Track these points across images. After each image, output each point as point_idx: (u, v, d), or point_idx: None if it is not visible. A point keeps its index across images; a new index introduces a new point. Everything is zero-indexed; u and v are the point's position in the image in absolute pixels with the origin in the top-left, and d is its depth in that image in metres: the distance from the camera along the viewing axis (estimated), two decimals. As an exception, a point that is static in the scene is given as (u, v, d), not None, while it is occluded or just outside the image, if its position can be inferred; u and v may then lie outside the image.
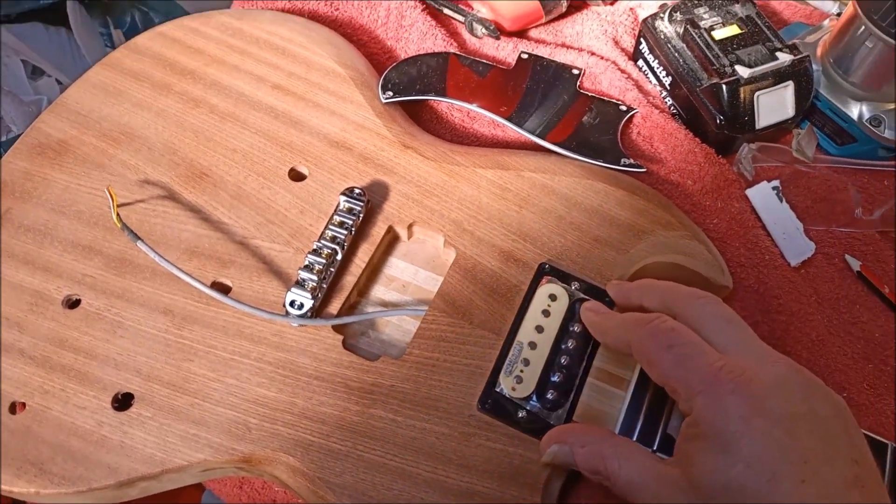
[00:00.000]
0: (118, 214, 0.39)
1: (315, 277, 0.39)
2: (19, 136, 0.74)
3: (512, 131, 0.49)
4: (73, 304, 0.40)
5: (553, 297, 0.40)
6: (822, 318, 0.44)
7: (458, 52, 0.52)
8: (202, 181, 0.43)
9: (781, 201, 0.46)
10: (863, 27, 0.45)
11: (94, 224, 0.42)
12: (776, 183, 0.46)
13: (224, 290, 0.40)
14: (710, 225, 0.46)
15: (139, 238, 0.39)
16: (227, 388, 0.37)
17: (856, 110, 0.48)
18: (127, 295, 0.40)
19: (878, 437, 0.37)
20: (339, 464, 0.35)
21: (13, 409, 0.37)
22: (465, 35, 0.54)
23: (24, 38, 0.84)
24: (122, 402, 0.37)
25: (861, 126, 0.48)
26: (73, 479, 0.35)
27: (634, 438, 0.37)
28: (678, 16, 0.50)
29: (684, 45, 0.49)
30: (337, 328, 0.40)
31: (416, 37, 0.53)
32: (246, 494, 0.44)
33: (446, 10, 0.54)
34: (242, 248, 0.41)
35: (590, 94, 0.50)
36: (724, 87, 0.46)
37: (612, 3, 0.55)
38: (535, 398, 0.37)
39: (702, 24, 0.49)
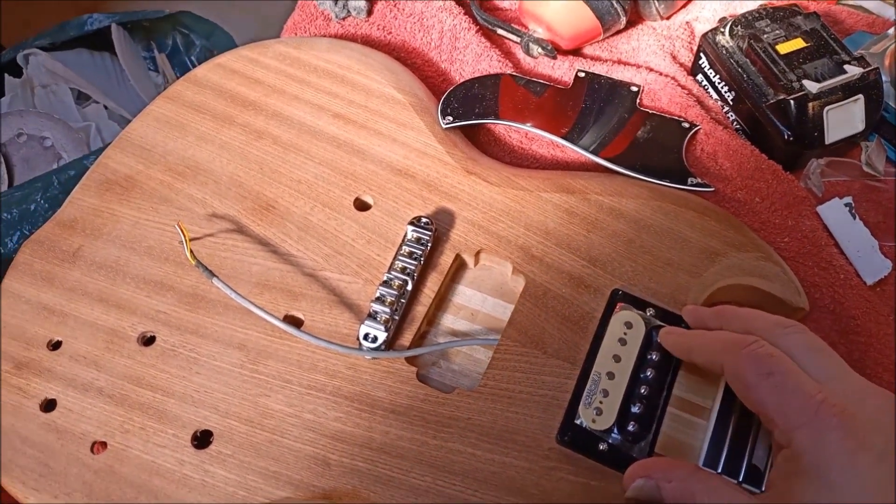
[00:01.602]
0: (191, 251, 0.39)
1: (387, 309, 0.39)
2: (70, 163, 0.75)
3: (572, 152, 0.49)
4: (148, 341, 0.40)
5: (629, 325, 0.39)
6: (903, 339, 0.42)
7: (514, 73, 0.52)
8: (269, 213, 0.44)
9: (855, 218, 0.45)
10: (936, 37, 0.44)
11: (165, 259, 0.42)
12: (849, 199, 0.45)
13: (296, 323, 0.40)
14: (782, 244, 0.45)
15: (214, 275, 0.39)
16: (304, 423, 0.37)
17: (927, 122, 0.47)
18: (201, 331, 0.40)
19: None
20: (420, 499, 0.35)
21: (94, 448, 0.37)
22: (520, 55, 0.54)
23: (69, 65, 0.85)
24: (202, 439, 0.37)
25: (933, 137, 0.47)
26: (157, 518, 0.35)
27: (719, 470, 0.36)
28: (739, 30, 0.49)
29: (748, 60, 0.48)
30: (410, 360, 0.39)
31: (471, 58, 0.53)
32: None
33: (500, 31, 0.53)
34: (312, 280, 0.41)
35: (651, 111, 0.50)
36: (791, 102, 0.45)
37: (667, 18, 0.55)
38: (616, 430, 0.37)
39: (765, 38, 0.48)
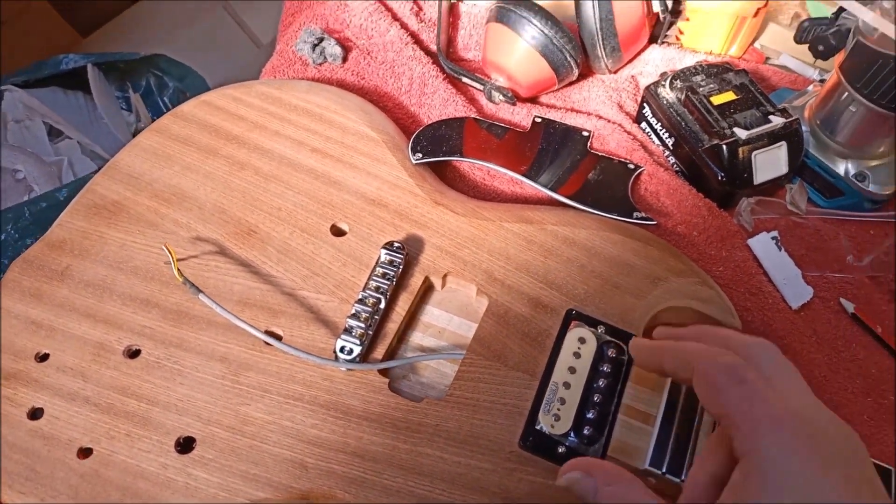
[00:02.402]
0: (179, 269, 0.42)
1: (362, 325, 0.42)
2: (42, 195, 0.77)
3: (530, 187, 0.53)
4: (133, 353, 0.42)
5: (582, 340, 0.43)
6: (822, 357, 0.47)
7: (477, 117, 0.56)
8: (251, 238, 0.47)
9: (780, 250, 0.50)
10: (846, 93, 0.50)
11: (151, 279, 0.45)
12: (775, 233, 0.51)
13: (276, 338, 0.43)
14: (717, 272, 0.50)
15: (200, 290, 0.41)
16: (283, 429, 0.40)
17: (842, 167, 0.53)
18: (185, 344, 0.42)
19: (882, 464, 0.40)
20: (392, 499, 0.38)
21: (80, 454, 0.39)
22: (483, 101, 0.59)
23: (44, 102, 0.87)
24: (185, 445, 0.39)
25: (847, 181, 0.53)
26: (142, 519, 0.37)
27: (663, 470, 0.40)
28: (678, 83, 0.55)
29: (685, 110, 0.54)
30: (382, 372, 0.42)
31: (438, 103, 0.57)
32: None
33: (465, 79, 0.58)
34: (291, 299, 0.44)
35: (600, 153, 0.55)
36: (724, 147, 0.51)
37: (615, 72, 0.60)
38: (573, 434, 0.40)
39: (700, 90, 0.54)
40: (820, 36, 0.50)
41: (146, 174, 0.49)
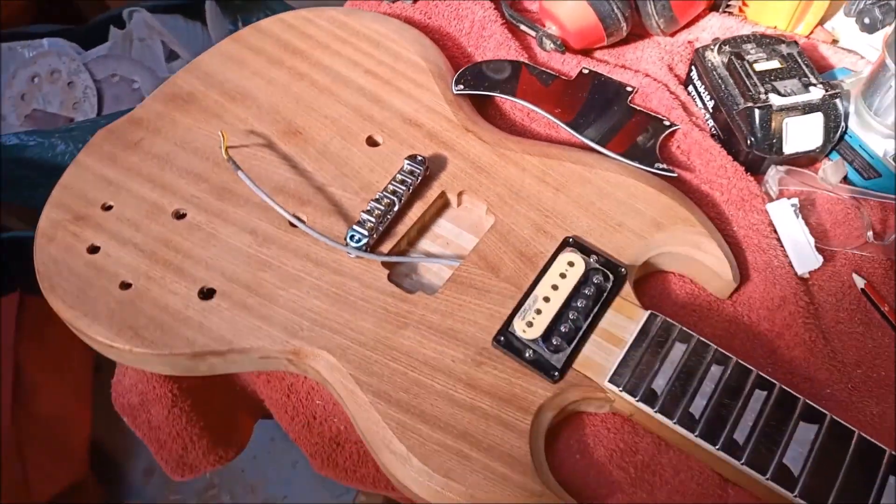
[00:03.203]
0: (227, 149, 0.49)
1: (373, 220, 0.47)
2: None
3: (564, 132, 0.56)
4: (180, 216, 0.49)
5: (571, 264, 0.46)
6: (820, 324, 0.48)
7: (527, 62, 0.60)
8: (296, 137, 0.53)
9: (797, 217, 0.51)
10: (890, 72, 0.50)
11: (206, 159, 0.51)
12: (795, 201, 0.51)
13: (300, 221, 0.49)
14: (730, 231, 0.51)
15: (240, 168, 0.48)
16: (290, 296, 0.45)
17: (882, 147, 0.52)
18: (223, 215, 0.49)
19: (877, 443, 0.40)
20: (368, 366, 0.43)
21: (121, 286, 0.46)
22: (536, 49, 0.62)
23: (166, 26, 0.97)
24: (207, 294, 0.46)
25: (886, 162, 0.52)
26: (159, 344, 0.43)
27: (621, 389, 0.42)
28: (726, 48, 0.56)
29: (727, 73, 0.55)
30: (385, 265, 0.47)
31: (492, 46, 0.61)
32: (292, 404, 0.52)
33: (522, 27, 0.62)
34: (319, 192, 0.50)
35: (638, 108, 0.57)
36: (756, 111, 0.51)
37: (671, 35, 0.62)
38: (541, 341, 0.43)
39: (747, 57, 0.55)
40: (866, 8, 0.50)
41: (219, 74, 0.56)
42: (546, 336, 0.43)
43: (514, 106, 0.58)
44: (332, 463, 0.57)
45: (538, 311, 0.44)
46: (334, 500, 1.19)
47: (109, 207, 0.49)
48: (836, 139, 0.53)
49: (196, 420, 0.60)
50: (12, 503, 1.04)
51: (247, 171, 0.49)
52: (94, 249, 0.47)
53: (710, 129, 0.57)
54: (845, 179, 0.54)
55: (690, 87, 0.59)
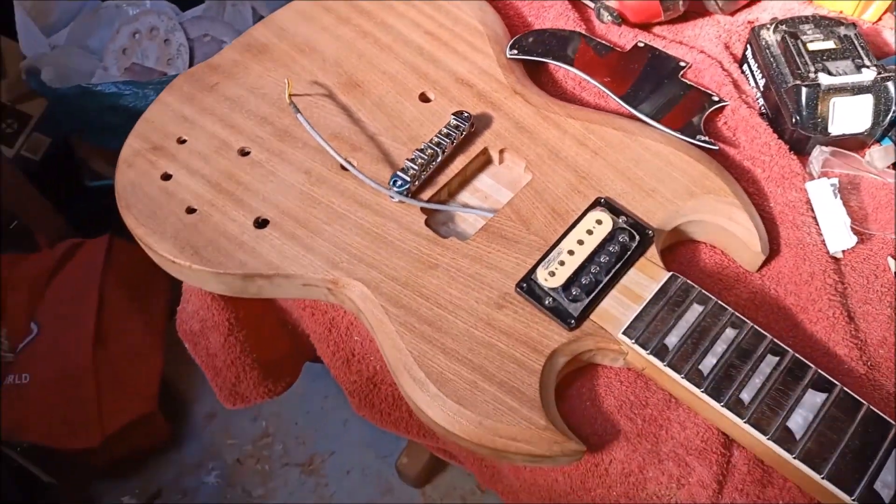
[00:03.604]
0: (290, 95, 0.53)
1: (416, 168, 0.50)
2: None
3: (614, 104, 0.58)
4: (244, 153, 0.54)
5: (599, 222, 0.48)
6: (847, 302, 0.48)
7: (584, 32, 0.61)
8: (355, 90, 0.56)
9: (836, 197, 0.51)
10: (948, 55, 0.49)
11: (272, 104, 0.56)
12: (835, 181, 0.51)
13: (350, 164, 0.53)
14: (767, 207, 0.52)
15: (299, 111, 0.52)
16: (334, 231, 0.49)
17: (935, 134, 0.52)
18: (282, 155, 0.53)
19: (886, 417, 0.41)
20: (397, 299, 0.46)
21: (187, 211, 0.51)
22: (595, 21, 0.63)
23: (257, -6, 1.04)
24: (261, 223, 0.50)
25: (937, 150, 0.51)
26: (215, 263, 0.48)
27: (633, 341, 0.44)
28: (782, 27, 0.56)
29: (780, 52, 0.55)
30: (424, 211, 0.50)
31: (552, 16, 0.63)
32: (333, 339, 0.56)
33: (583, -1, 0.63)
34: (370, 141, 0.54)
35: (689, 82, 0.58)
36: (803, 89, 0.52)
37: (731, 14, 0.62)
38: (561, 290, 0.46)
39: (802, 37, 0.55)
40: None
41: (292, 28, 0.60)
42: (566, 286, 0.46)
43: (566, 74, 0.60)
44: (368, 403, 0.61)
45: (561, 263, 0.46)
46: (379, 459, 1.24)
47: (184, 141, 0.54)
48: (885, 123, 0.53)
49: (249, 351, 0.66)
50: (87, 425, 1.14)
51: (307, 117, 0.53)
52: (166, 177, 0.52)
53: (760, 108, 0.57)
54: (894, 166, 0.54)
55: (745, 66, 0.59)
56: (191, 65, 0.98)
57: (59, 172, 1.30)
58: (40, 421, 1.15)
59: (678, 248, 0.52)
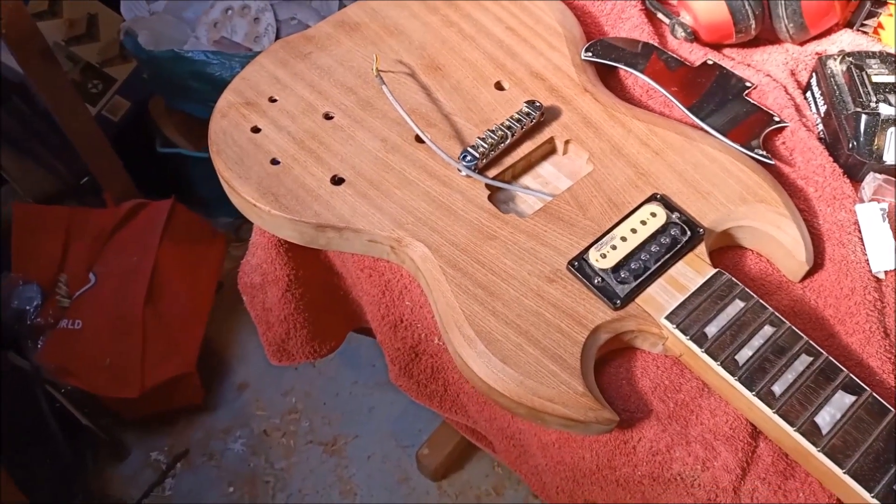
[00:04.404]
0: (377, 69, 0.57)
1: (486, 146, 0.54)
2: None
3: (678, 111, 0.60)
4: (328, 117, 0.58)
5: (653, 215, 0.51)
6: (885, 320, 0.50)
7: (657, 45, 0.64)
8: (435, 72, 0.60)
9: (884, 221, 0.53)
10: None
11: (358, 76, 0.60)
12: (885, 205, 0.53)
13: (423, 140, 0.56)
14: (815, 224, 0.54)
15: (385, 84, 0.56)
16: (403, 195, 0.53)
17: None
18: (363, 122, 0.57)
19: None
20: (455, 262, 0.49)
21: (271, 162, 0.55)
22: (668, 36, 0.67)
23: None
24: (337, 181, 0.54)
25: None
26: (292, 210, 0.52)
27: (674, 326, 0.47)
28: (849, 59, 0.58)
29: (844, 81, 0.57)
30: (488, 187, 0.54)
31: (627, 27, 0.66)
32: (385, 302, 0.59)
33: (659, 14, 0.67)
34: (445, 119, 0.57)
35: (753, 102, 0.60)
36: (863, 116, 0.54)
37: (800, 44, 0.65)
38: (611, 272, 0.49)
39: (867, 69, 0.57)
40: None
41: (383, 11, 0.65)
42: (616, 268, 0.48)
43: (635, 82, 0.63)
44: (407, 373, 0.64)
45: (613, 247, 0.49)
46: (400, 448, 1.27)
47: (274, 100, 0.59)
48: (942, 158, 0.54)
49: (303, 309, 0.69)
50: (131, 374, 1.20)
51: (390, 90, 0.58)
52: (256, 130, 0.57)
53: (819, 133, 0.60)
54: (946, 200, 0.56)
55: (808, 94, 0.62)
56: (275, 44, 1.04)
57: (133, 136, 1.37)
58: (86, 367, 1.21)
59: (725, 252, 0.54)
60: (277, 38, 1.06)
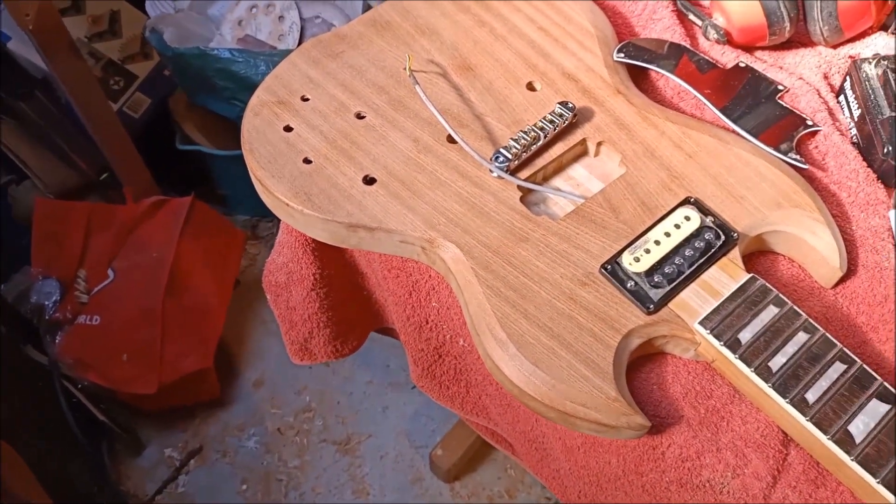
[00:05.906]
0: (410, 68, 0.57)
1: (518, 147, 0.54)
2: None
3: (710, 112, 0.60)
4: (360, 116, 0.58)
5: (687, 218, 0.50)
6: (919, 328, 0.49)
7: (689, 47, 0.64)
8: (467, 72, 0.60)
9: (920, 228, 0.52)
10: None
11: (390, 75, 0.60)
12: (920, 212, 0.53)
13: (455, 141, 0.56)
14: (849, 229, 0.54)
15: (417, 83, 0.56)
16: (434, 196, 0.53)
17: None
18: (395, 122, 0.57)
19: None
20: (487, 264, 0.49)
21: (304, 161, 0.55)
22: (700, 38, 0.66)
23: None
24: (369, 181, 0.54)
25: None
26: (324, 210, 0.52)
27: (708, 332, 0.46)
28: (884, 63, 0.58)
29: (879, 85, 0.57)
30: (520, 188, 0.54)
31: (659, 28, 0.66)
32: (412, 303, 0.59)
33: (691, 15, 0.66)
34: (477, 120, 0.57)
35: (785, 105, 0.60)
36: (900, 121, 0.54)
37: (833, 47, 0.64)
38: (644, 276, 0.48)
39: (904, 74, 0.57)
40: None
41: (415, 10, 0.65)
42: (649, 272, 0.48)
43: (667, 83, 0.63)
44: (430, 374, 0.64)
45: (647, 251, 0.49)
46: (413, 448, 1.27)
47: (307, 99, 0.59)
48: (979, 165, 0.54)
49: (326, 308, 0.70)
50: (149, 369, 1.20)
51: (422, 90, 0.57)
52: (288, 128, 0.57)
53: (852, 138, 0.59)
54: (982, 208, 0.55)
55: (841, 97, 0.61)
56: (300, 43, 1.04)
57: (153, 133, 1.38)
58: (104, 362, 1.21)
59: (758, 257, 0.54)
60: (301, 36, 1.06)
